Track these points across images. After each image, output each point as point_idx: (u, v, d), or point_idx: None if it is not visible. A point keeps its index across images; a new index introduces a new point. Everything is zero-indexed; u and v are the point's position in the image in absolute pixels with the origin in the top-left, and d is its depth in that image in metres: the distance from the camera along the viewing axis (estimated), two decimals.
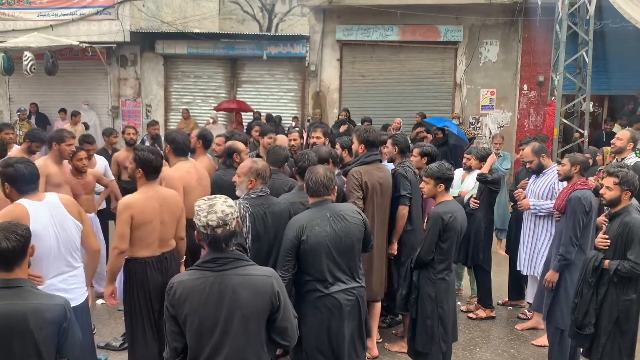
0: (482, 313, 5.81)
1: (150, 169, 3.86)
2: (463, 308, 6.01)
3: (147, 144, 7.83)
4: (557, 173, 4.79)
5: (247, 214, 3.62)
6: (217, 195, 2.50)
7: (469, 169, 6.00)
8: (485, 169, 5.61)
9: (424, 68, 12.90)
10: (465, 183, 5.99)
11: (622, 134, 5.86)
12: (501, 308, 6.10)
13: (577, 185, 4.50)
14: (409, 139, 5.25)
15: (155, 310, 3.95)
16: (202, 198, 2.49)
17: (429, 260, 3.96)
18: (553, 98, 10.91)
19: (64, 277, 3.46)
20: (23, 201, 3.32)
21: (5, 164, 3.41)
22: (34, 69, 12.16)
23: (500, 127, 12.71)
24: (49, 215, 3.37)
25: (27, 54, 12.01)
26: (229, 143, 5.19)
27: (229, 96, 14.01)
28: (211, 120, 12.70)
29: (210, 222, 2.36)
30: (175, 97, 14.39)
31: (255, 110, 13.10)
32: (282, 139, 6.13)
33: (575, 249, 4.38)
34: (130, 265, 3.85)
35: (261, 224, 3.64)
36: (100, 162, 6.39)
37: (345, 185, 4.71)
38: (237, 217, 2.45)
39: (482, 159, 5.77)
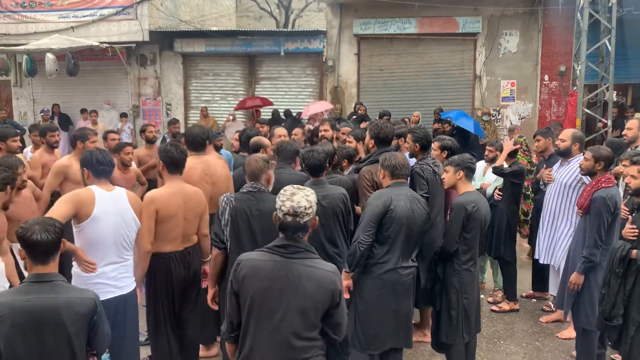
0: (505, 306, 5.77)
1: (171, 163, 3.91)
2: (490, 299, 5.96)
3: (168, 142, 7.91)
4: (579, 167, 4.60)
5: (228, 208, 3.63)
6: (306, 188, 2.56)
7: (491, 161, 5.94)
8: (499, 161, 5.54)
9: (443, 60, 12.79)
10: (488, 175, 5.93)
11: (631, 124, 5.80)
12: (525, 300, 6.04)
13: (601, 183, 4.31)
14: (429, 133, 5.14)
15: (177, 304, 4.01)
16: (293, 186, 2.55)
17: (453, 251, 3.96)
18: (575, 88, 10.75)
19: (115, 267, 3.56)
20: (93, 187, 3.51)
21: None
22: (56, 70, 12.36)
23: (522, 118, 12.56)
24: (113, 205, 3.51)
25: (49, 55, 12.21)
26: (255, 139, 5.19)
27: (247, 93, 14.06)
28: (230, 118, 12.78)
29: (283, 208, 2.45)
30: (194, 95, 14.50)
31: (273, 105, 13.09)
32: (280, 131, 6.04)
33: (600, 251, 4.25)
34: (154, 260, 3.89)
35: (244, 218, 3.61)
36: None
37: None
38: (313, 213, 2.49)
39: (501, 149, 5.69)
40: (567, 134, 5.25)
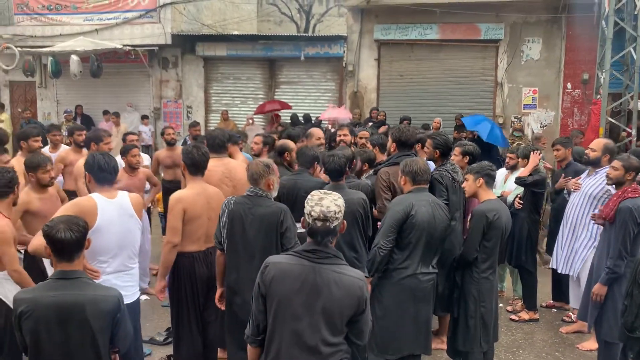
0: (525, 315, 5.69)
1: (191, 164, 3.95)
2: (509, 308, 5.89)
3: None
4: (607, 176, 4.46)
5: (227, 210, 3.67)
6: (333, 193, 2.55)
7: (512, 169, 5.89)
8: (525, 171, 5.47)
9: (464, 67, 12.71)
10: (508, 183, 5.88)
11: None
12: (545, 310, 5.95)
13: (628, 193, 4.20)
14: (450, 140, 5.09)
15: (201, 303, 4.03)
16: (320, 190, 2.55)
17: (473, 259, 3.92)
18: (598, 96, 10.60)
19: (119, 275, 3.54)
20: (95, 196, 3.45)
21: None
22: (80, 71, 12.59)
23: (543, 126, 12.42)
24: (116, 215, 3.46)
25: (74, 57, 12.43)
26: (281, 142, 5.22)
27: (267, 97, 14.13)
28: (250, 122, 12.86)
29: (312, 213, 2.44)
30: (215, 99, 14.62)
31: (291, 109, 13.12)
32: (318, 132, 6.05)
33: (625, 262, 4.14)
34: (178, 260, 3.92)
35: (239, 222, 3.63)
36: (145, 159, 6.56)
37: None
38: (342, 217, 2.49)
39: (526, 157, 5.64)
40: (599, 144, 5.13)
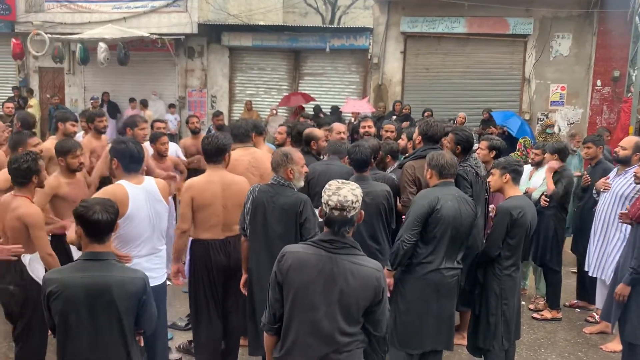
0: (547, 314, 5.62)
1: (204, 152, 3.98)
2: (531, 307, 5.82)
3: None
4: (635, 175, 4.42)
5: (251, 197, 3.72)
6: (351, 182, 2.54)
7: (537, 165, 5.79)
8: (549, 185, 5.38)
9: (491, 61, 12.56)
10: (533, 179, 5.78)
11: None
12: (568, 310, 5.86)
13: None
14: (473, 135, 5.03)
15: (219, 291, 4.05)
16: (338, 180, 2.54)
17: (495, 256, 3.87)
18: (630, 94, 10.37)
19: (149, 257, 3.61)
20: (124, 182, 3.49)
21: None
22: (108, 59, 12.74)
23: (570, 124, 12.20)
24: (145, 199, 3.52)
25: (102, 45, 12.59)
26: (307, 131, 5.20)
27: (291, 89, 14.14)
28: (274, 112, 12.89)
29: (330, 202, 2.43)
30: (239, 89, 14.67)
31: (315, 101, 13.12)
32: (340, 127, 6.04)
33: None
34: (194, 247, 3.97)
35: (261, 209, 3.67)
36: (172, 147, 6.60)
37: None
38: (359, 207, 2.48)
39: (556, 151, 5.52)
40: (629, 142, 5.02)
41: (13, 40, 14.35)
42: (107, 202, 2.60)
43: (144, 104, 13.50)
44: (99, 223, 2.52)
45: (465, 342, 4.64)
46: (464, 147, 4.62)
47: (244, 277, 3.90)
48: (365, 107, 11.98)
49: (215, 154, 3.96)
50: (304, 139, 5.10)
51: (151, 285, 3.49)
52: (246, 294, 3.90)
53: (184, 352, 4.64)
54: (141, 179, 3.59)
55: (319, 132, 5.21)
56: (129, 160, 3.52)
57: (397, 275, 3.80)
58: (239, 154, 4.69)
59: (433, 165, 3.77)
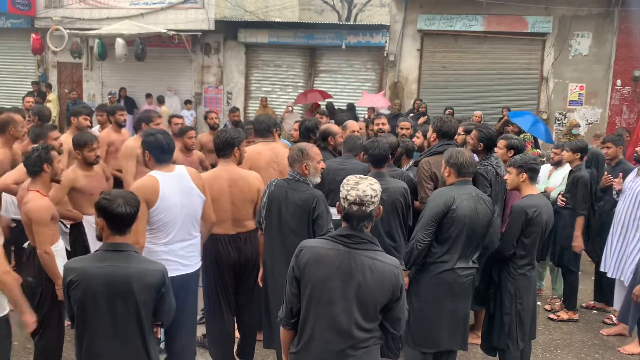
0: (564, 315, 5.56)
1: (216, 146, 3.99)
2: (547, 307, 5.77)
3: None
4: None
5: (268, 191, 3.74)
6: (369, 177, 2.53)
7: (556, 164, 5.73)
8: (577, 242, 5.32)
9: (509, 60, 12.43)
10: (553, 179, 5.73)
11: None
12: (585, 311, 5.80)
13: None
14: (495, 135, 4.97)
15: (229, 285, 4.06)
16: (356, 175, 2.52)
17: (510, 255, 3.84)
18: None
19: (183, 245, 3.63)
20: (155, 173, 3.52)
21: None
22: (125, 55, 12.84)
23: (589, 124, 12.05)
24: (177, 186, 3.54)
25: (120, 40, 12.68)
26: (324, 126, 5.20)
27: (307, 86, 14.13)
28: (289, 109, 12.90)
29: (348, 197, 2.41)
30: (254, 85, 14.70)
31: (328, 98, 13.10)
32: (353, 125, 6.04)
33: None
34: (205, 241, 3.96)
35: (276, 204, 3.69)
36: None
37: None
38: (378, 202, 2.46)
39: (578, 150, 5.45)
40: None
41: (33, 35, 14.52)
42: (129, 195, 2.63)
43: (160, 100, 13.60)
44: (122, 216, 2.54)
45: (479, 342, 4.61)
46: (487, 145, 4.62)
47: (260, 270, 3.91)
48: (381, 101, 11.93)
49: (224, 147, 3.96)
50: (320, 134, 5.10)
51: (185, 272, 3.61)
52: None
53: (199, 345, 4.65)
54: (172, 167, 3.61)
55: (335, 128, 5.20)
56: (159, 152, 3.56)
57: (411, 274, 3.78)
58: (260, 148, 4.72)
59: (452, 163, 3.71)
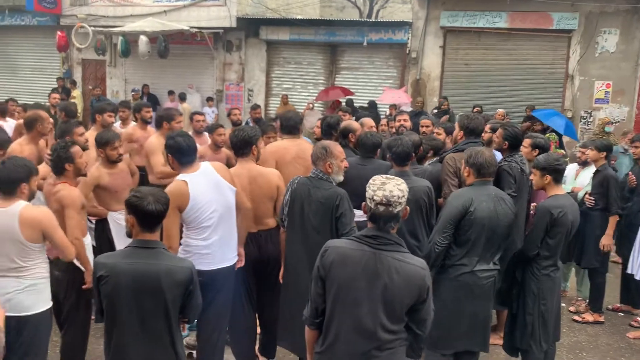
0: (589, 317, 5.47)
1: (233, 145, 4.01)
2: (572, 309, 5.68)
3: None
4: None
5: (290, 189, 3.73)
6: (396, 177, 2.50)
7: (583, 164, 5.63)
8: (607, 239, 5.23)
9: (533, 57, 12.24)
10: (580, 179, 5.63)
11: None
12: (610, 313, 5.70)
13: None
14: (521, 134, 4.90)
15: (251, 282, 4.08)
16: (382, 175, 2.50)
17: (533, 256, 3.78)
18: None
19: (221, 239, 3.65)
20: (183, 176, 3.53)
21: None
22: (148, 52, 12.95)
23: (616, 122, 11.77)
24: (206, 184, 3.57)
25: (143, 37, 12.80)
26: (345, 123, 5.18)
27: (328, 83, 14.11)
28: (310, 106, 12.90)
29: (375, 198, 2.39)
30: (275, 83, 14.72)
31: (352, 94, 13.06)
32: (369, 122, 6.00)
33: None
34: None
35: (298, 202, 3.68)
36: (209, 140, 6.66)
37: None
38: (405, 203, 2.43)
39: (603, 148, 5.34)
40: None
41: (58, 33, 14.75)
42: (159, 193, 2.65)
43: (182, 97, 13.69)
44: (152, 213, 2.57)
45: (501, 342, 4.56)
46: (512, 144, 4.56)
47: (282, 267, 3.92)
48: (403, 97, 11.86)
49: (242, 146, 3.97)
50: (340, 132, 5.09)
51: (222, 266, 3.65)
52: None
53: None
54: (197, 166, 3.63)
55: (356, 125, 5.18)
56: (180, 154, 3.58)
57: (432, 276, 3.73)
58: (287, 143, 4.75)
59: (471, 163, 3.64)
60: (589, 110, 12.00)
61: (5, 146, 4.75)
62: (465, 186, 3.79)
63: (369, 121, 5.79)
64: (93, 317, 4.08)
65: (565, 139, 9.25)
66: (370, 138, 4.53)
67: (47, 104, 8.86)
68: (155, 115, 6.14)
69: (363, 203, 2.49)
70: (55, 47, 15.09)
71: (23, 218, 3.10)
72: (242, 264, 4.00)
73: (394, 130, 6.22)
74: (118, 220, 4.44)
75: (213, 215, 3.59)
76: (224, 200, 3.65)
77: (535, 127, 9.06)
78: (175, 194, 3.37)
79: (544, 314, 3.79)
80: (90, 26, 13.89)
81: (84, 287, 3.67)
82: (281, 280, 3.93)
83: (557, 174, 3.81)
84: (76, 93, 14.43)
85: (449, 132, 5.28)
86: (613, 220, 5.20)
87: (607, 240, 5.21)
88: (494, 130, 4.93)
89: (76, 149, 3.77)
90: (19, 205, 3.13)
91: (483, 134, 4.89)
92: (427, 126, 5.93)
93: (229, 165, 6.11)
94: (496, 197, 3.59)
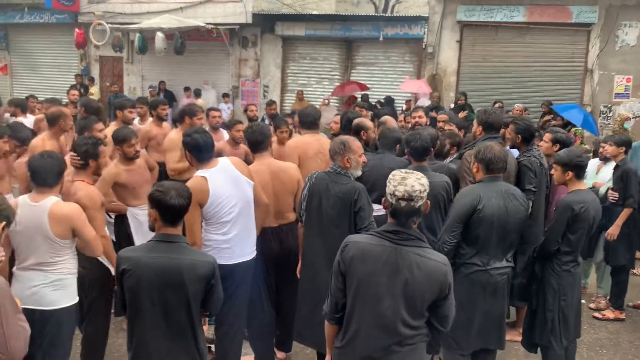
0: (610, 314, 5.41)
1: (249, 142, 4.05)
2: (592, 306, 5.62)
3: (267, 122, 8.09)
4: None
5: (309, 184, 3.73)
6: (415, 172, 2.49)
7: (605, 159, 5.55)
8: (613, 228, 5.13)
9: (552, 51, 12.07)
10: (601, 174, 5.55)
11: None
12: (632, 310, 5.63)
13: None
14: (533, 125, 4.85)
15: (272, 278, 4.11)
16: (400, 170, 2.49)
17: (554, 251, 3.73)
18: None
19: (240, 233, 3.69)
20: (202, 172, 3.57)
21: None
22: (165, 48, 13.03)
23: (636, 117, 11.62)
24: (224, 179, 3.61)
25: (159, 34, 12.88)
26: (357, 120, 5.19)
27: (343, 78, 14.07)
28: (326, 102, 12.87)
29: (397, 193, 2.37)
30: (291, 79, 14.72)
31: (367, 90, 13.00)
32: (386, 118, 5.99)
33: None
34: None
35: (316, 197, 3.67)
36: (226, 136, 6.69)
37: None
38: (426, 197, 2.42)
39: (622, 143, 5.26)
40: None
41: (76, 30, 14.89)
42: (182, 187, 2.67)
43: (197, 94, 13.75)
44: (174, 207, 2.59)
45: (519, 338, 4.53)
46: (525, 137, 4.52)
47: (300, 262, 3.93)
48: (424, 87, 11.78)
49: (261, 142, 4.02)
50: (353, 128, 5.09)
51: (242, 260, 3.68)
52: None
53: None
54: (215, 162, 3.66)
55: (368, 123, 5.18)
56: (198, 151, 3.61)
57: None
58: (308, 138, 4.81)
59: (480, 158, 3.58)
60: (609, 105, 11.83)
61: (27, 142, 4.80)
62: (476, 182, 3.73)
63: (390, 119, 5.79)
64: (113, 310, 4.16)
65: (584, 133, 9.13)
66: (392, 133, 4.56)
67: (66, 100, 8.95)
68: (171, 111, 6.20)
69: (383, 198, 2.48)
70: (73, 45, 15.25)
71: (53, 214, 3.12)
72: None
73: (410, 125, 6.19)
74: (137, 216, 4.49)
75: (232, 210, 3.62)
76: (242, 195, 3.68)
77: (556, 121, 8.94)
78: (195, 190, 3.38)
79: (564, 310, 3.75)
80: (107, 23, 14.00)
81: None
82: (298, 275, 3.94)
83: (579, 170, 3.75)
84: (94, 90, 14.58)
85: (460, 127, 5.27)
86: (625, 213, 5.13)
87: (613, 230, 5.15)
88: (505, 125, 4.89)
89: (104, 148, 3.83)
90: (50, 201, 3.16)
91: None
92: (444, 121, 5.90)
93: (248, 161, 6.18)
94: (506, 193, 3.51)
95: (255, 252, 3.87)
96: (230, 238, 3.64)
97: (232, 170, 3.68)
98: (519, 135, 4.51)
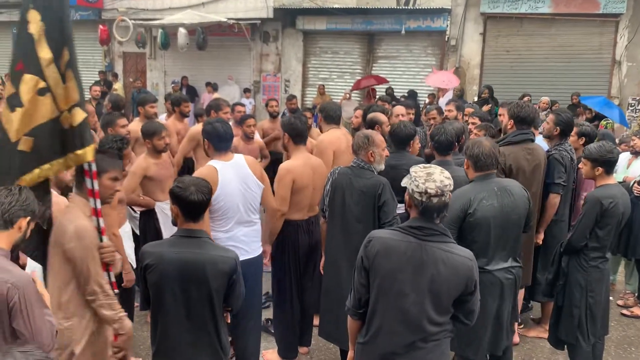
0: (638, 311, 5.29)
1: (296, 134, 4.03)
2: (620, 302, 5.50)
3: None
4: None
5: (331, 179, 3.72)
6: (433, 165, 2.45)
7: (636, 153, 5.42)
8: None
9: (578, 43, 11.84)
10: (632, 168, 5.42)
11: None
12: None
13: None
14: (573, 119, 4.73)
15: (300, 270, 4.14)
16: (417, 165, 2.46)
17: (581, 247, 3.65)
18: None
19: (244, 231, 3.72)
20: (214, 162, 3.62)
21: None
22: (187, 44, 13.11)
23: None
24: (235, 174, 3.63)
25: (182, 30, 12.96)
26: (371, 115, 5.16)
27: (365, 72, 14.00)
28: (347, 96, 12.83)
29: (428, 190, 2.32)
30: (312, 73, 14.70)
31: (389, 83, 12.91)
32: (399, 110, 5.87)
33: None
34: (284, 228, 4.03)
35: (340, 192, 3.65)
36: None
37: None
38: (451, 190, 2.38)
39: None
40: None
41: (100, 26, 15.08)
42: (202, 183, 2.67)
43: (214, 88, 13.81)
44: (195, 203, 2.59)
45: (546, 335, 4.45)
46: (563, 130, 4.43)
47: (323, 258, 3.92)
48: (453, 79, 11.63)
49: (307, 134, 4.10)
50: (367, 122, 5.06)
51: (247, 257, 3.66)
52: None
53: (263, 330, 4.72)
54: (230, 156, 3.70)
55: (382, 117, 5.14)
56: (217, 140, 3.65)
57: None
58: (337, 134, 4.85)
59: (468, 154, 3.41)
60: (637, 98, 11.54)
61: None
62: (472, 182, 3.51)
63: (399, 109, 5.69)
64: (137, 304, 4.20)
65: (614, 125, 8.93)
66: (404, 129, 4.32)
67: (88, 96, 9.06)
68: (194, 106, 6.26)
69: (407, 197, 2.43)
70: (97, 41, 15.44)
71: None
72: (267, 260, 4.07)
73: (435, 122, 6.09)
74: (164, 210, 4.53)
75: (238, 207, 3.64)
76: (249, 195, 3.69)
77: (585, 115, 8.77)
78: (205, 177, 3.42)
79: (591, 307, 3.68)
80: (130, 19, 14.13)
81: (122, 285, 3.71)
82: (321, 271, 3.93)
83: (608, 166, 3.66)
84: (117, 85, 14.74)
85: (483, 121, 5.21)
86: None
87: None
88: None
89: (128, 151, 3.87)
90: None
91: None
92: (450, 111, 5.94)
93: (263, 156, 6.20)
94: (499, 190, 3.31)
95: (260, 249, 3.88)
96: (233, 235, 3.65)
97: (244, 168, 3.70)
98: (558, 127, 4.40)
